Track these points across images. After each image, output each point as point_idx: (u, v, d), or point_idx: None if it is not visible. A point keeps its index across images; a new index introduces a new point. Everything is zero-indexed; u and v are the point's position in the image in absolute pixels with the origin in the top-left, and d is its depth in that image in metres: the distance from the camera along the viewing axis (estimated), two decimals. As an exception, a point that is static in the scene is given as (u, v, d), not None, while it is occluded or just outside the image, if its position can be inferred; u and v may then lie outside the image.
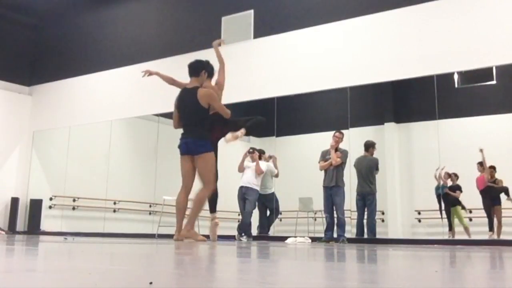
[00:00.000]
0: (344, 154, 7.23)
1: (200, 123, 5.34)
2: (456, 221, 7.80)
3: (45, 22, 12.27)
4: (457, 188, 7.82)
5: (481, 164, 7.48)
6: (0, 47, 11.57)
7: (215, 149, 5.60)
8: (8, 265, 2.00)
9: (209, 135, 5.45)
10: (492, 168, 7.43)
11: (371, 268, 2.25)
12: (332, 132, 7.47)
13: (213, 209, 5.94)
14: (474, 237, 7.53)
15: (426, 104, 7.93)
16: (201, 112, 5.32)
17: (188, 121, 5.37)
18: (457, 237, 7.57)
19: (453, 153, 7.67)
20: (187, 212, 5.50)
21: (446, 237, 7.48)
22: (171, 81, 5.99)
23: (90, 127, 10.98)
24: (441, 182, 7.76)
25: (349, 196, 7.49)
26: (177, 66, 9.83)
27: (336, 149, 7.25)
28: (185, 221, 5.38)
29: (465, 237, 7.56)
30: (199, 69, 5.54)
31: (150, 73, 6.06)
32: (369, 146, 7.67)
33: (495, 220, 7.37)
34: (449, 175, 7.77)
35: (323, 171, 7.30)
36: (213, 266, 2.27)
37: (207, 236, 5.92)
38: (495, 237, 7.21)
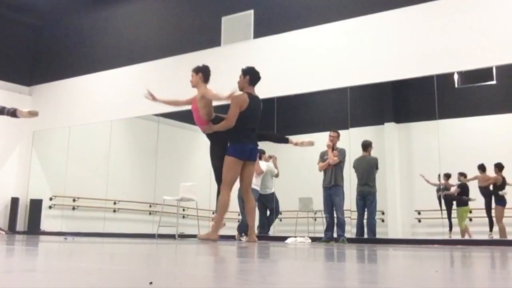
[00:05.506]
0: (341, 153, 7.23)
1: None
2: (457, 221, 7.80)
3: (45, 22, 12.27)
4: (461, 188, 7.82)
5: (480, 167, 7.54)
6: (0, 47, 11.56)
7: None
8: (8, 265, 2.00)
9: None
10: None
11: (371, 268, 2.25)
12: (330, 133, 7.48)
13: None
14: (473, 237, 7.54)
15: (426, 104, 7.92)
16: None
17: (255, 127, 5.57)
18: (457, 237, 7.57)
19: (453, 153, 7.66)
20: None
21: (446, 237, 7.48)
22: (175, 103, 6.23)
23: (90, 127, 10.98)
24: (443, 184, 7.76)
25: (349, 196, 7.49)
26: (177, 66, 9.88)
27: (333, 149, 7.25)
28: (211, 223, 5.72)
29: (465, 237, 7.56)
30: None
31: (153, 98, 6.15)
32: (367, 146, 7.67)
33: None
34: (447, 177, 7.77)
35: (322, 172, 7.31)
36: (213, 266, 2.27)
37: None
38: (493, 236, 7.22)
